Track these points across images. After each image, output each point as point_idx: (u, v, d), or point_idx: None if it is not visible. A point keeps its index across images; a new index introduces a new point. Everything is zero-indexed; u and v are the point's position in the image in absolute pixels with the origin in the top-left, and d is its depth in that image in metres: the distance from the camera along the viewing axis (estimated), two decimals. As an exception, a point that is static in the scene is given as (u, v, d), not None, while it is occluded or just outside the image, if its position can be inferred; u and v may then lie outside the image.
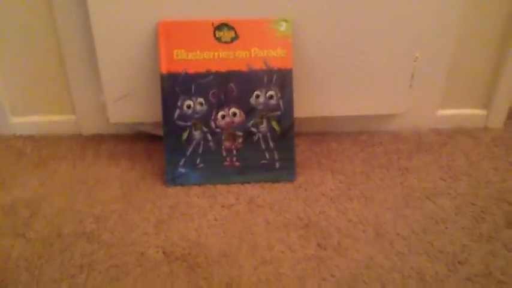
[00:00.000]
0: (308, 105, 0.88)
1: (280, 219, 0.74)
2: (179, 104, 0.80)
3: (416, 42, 0.85)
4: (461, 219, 0.74)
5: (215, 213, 0.75)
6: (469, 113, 0.98)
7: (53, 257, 0.67)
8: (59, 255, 0.67)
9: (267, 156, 0.82)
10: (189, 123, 0.80)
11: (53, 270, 0.64)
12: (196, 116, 0.80)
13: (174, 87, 0.79)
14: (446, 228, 0.72)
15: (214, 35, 0.80)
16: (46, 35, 0.87)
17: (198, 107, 0.80)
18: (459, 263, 0.66)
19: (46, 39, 0.88)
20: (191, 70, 0.80)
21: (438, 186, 0.82)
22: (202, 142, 0.81)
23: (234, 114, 0.81)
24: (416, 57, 0.87)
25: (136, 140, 0.94)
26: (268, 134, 0.81)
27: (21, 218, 0.74)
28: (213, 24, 0.80)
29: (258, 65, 0.80)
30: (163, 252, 0.67)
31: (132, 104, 0.87)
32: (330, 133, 0.96)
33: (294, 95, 0.81)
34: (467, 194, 0.80)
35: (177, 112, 0.80)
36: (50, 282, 0.63)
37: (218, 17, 0.80)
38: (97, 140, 0.95)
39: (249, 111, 0.81)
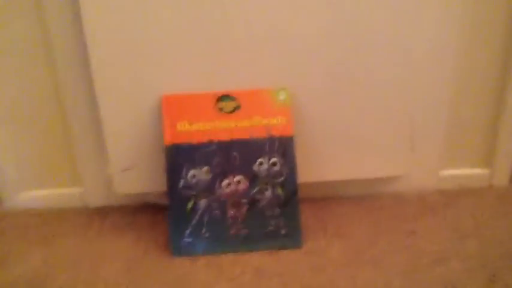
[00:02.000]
0: (311, 170, 0.89)
1: (288, 288, 0.72)
2: (183, 173, 0.81)
3: (412, 105, 0.88)
4: (472, 283, 0.72)
5: (222, 284, 0.74)
6: (472, 172, 0.98)
7: (56, 336, 0.65)
8: (62, 335, 0.66)
9: (273, 223, 0.82)
10: (193, 193, 0.81)
11: None
12: (201, 185, 0.81)
13: (178, 157, 0.81)
14: (458, 292, 0.71)
15: (217, 106, 0.82)
16: (52, 111, 0.90)
17: (203, 176, 0.81)
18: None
19: (52, 114, 0.91)
20: (195, 140, 0.81)
21: (446, 248, 0.80)
22: (207, 211, 0.81)
23: (238, 182, 0.81)
24: (414, 120, 0.89)
25: (142, 211, 0.95)
26: (273, 201, 0.82)
27: (25, 296, 0.73)
28: (215, 95, 0.83)
29: (260, 133, 0.82)
30: (169, 328, 0.66)
31: (138, 175, 0.88)
32: (334, 198, 0.96)
33: (297, 160, 0.82)
34: (477, 256, 0.78)
35: (182, 182, 0.81)
36: None
37: (220, 88, 0.83)
38: (103, 212, 0.95)
39: (253, 178, 0.81)
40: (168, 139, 0.81)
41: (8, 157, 0.94)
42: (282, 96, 0.83)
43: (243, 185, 0.82)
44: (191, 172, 0.81)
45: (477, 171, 0.99)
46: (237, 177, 0.81)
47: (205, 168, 0.81)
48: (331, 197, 0.96)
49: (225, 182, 0.81)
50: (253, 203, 0.82)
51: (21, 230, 0.91)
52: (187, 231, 0.81)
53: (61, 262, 0.81)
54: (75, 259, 0.82)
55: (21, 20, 0.84)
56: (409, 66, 0.84)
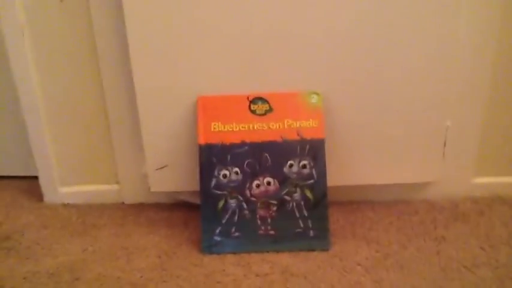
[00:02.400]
0: (341, 174, 0.89)
1: (314, 289, 0.73)
2: (215, 173, 0.83)
3: (446, 111, 0.87)
4: (503, 292, 0.72)
5: (250, 282, 0.75)
6: (505, 181, 0.97)
7: (91, 323, 0.68)
8: (97, 322, 0.69)
9: (301, 224, 0.83)
10: (224, 192, 0.83)
11: (91, 337, 0.66)
12: (232, 185, 0.83)
13: (211, 157, 0.83)
14: (488, 300, 0.70)
15: (250, 108, 0.85)
16: (95, 111, 0.95)
17: (234, 176, 0.83)
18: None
19: (95, 114, 0.95)
20: (227, 141, 0.84)
21: (477, 256, 0.79)
22: (237, 210, 0.83)
23: (268, 183, 0.83)
24: (448, 126, 0.88)
25: (175, 209, 0.98)
26: (302, 203, 0.83)
27: (64, 283, 0.77)
28: (248, 98, 0.85)
29: (291, 136, 0.83)
30: (198, 321, 0.68)
31: (172, 174, 0.92)
32: (364, 202, 0.97)
33: (327, 164, 0.83)
34: (509, 265, 0.77)
35: (214, 181, 0.83)
36: None
37: (253, 91, 0.85)
38: (138, 208, 0.99)
39: (283, 180, 0.83)
40: (202, 139, 0.84)
41: (51, 154, 0.99)
42: (314, 99, 0.84)
43: (273, 187, 0.83)
44: (223, 172, 0.83)
45: (511, 180, 0.97)
46: (267, 179, 0.83)
47: (237, 168, 0.83)
48: (362, 201, 0.97)
49: (256, 182, 0.83)
50: (282, 204, 0.83)
51: (63, 222, 0.95)
52: (218, 230, 0.83)
53: (99, 252, 0.85)
54: (111, 250, 0.85)
55: (69, 24, 0.89)
56: (445, 72, 0.84)
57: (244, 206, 0.83)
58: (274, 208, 0.83)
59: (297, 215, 0.83)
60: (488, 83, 0.88)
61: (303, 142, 0.83)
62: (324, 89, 0.84)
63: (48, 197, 1.03)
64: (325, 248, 0.83)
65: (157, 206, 1.00)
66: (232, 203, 0.83)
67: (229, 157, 0.83)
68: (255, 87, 0.85)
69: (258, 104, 0.85)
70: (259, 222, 0.83)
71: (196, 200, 0.94)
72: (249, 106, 0.85)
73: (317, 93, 0.84)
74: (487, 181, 0.97)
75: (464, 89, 0.88)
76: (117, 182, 1.01)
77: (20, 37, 0.89)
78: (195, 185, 0.86)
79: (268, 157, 0.83)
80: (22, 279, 0.78)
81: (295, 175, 0.83)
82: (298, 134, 0.83)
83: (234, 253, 0.82)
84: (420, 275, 0.75)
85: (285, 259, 0.81)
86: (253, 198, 0.83)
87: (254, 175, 0.83)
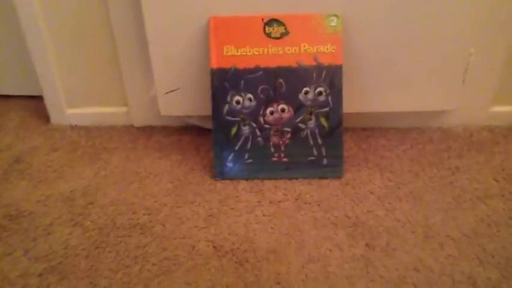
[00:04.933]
0: (357, 100, 0.87)
1: (328, 216, 0.74)
2: (228, 99, 0.81)
3: (470, 38, 0.83)
4: (514, 223, 0.72)
5: (263, 208, 0.76)
6: (524, 110, 0.95)
7: (109, 247, 0.70)
8: (114, 246, 0.70)
9: (315, 152, 0.82)
10: (237, 118, 0.81)
11: (110, 260, 0.68)
12: (245, 111, 0.81)
13: (223, 82, 0.80)
14: (499, 231, 0.71)
15: (264, 31, 0.80)
16: (101, 30, 0.90)
17: (247, 103, 0.81)
18: (512, 268, 0.65)
19: (101, 34, 0.90)
20: (241, 65, 0.80)
21: (490, 187, 0.80)
22: (250, 137, 0.82)
23: (283, 110, 0.81)
24: (471, 53, 0.84)
25: (185, 132, 0.97)
26: (317, 130, 0.81)
27: (79, 207, 0.78)
28: (262, 19, 0.80)
29: (307, 61, 0.80)
30: (213, 246, 0.69)
31: (182, 98, 0.89)
32: (378, 129, 0.95)
33: (343, 90, 0.80)
34: (522, 196, 0.78)
35: (226, 107, 0.81)
36: (106, 271, 0.66)
37: (268, 13, 0.80)
38: (148, 131, 0.98)
39: (298, 107, 0.81)
40: (214, 63, 0.80)
41: (55, 75, 0.95)
42: (333, 22, 0.79)
43: (287, 114, 0.81)
44: (236, 98, 0.81)
45: (530, 109, 0.95)
46: (282, 106, 0.81)
47: (250, 94, 0.80)
48: (375, 127, 0.95)
49: (270, 109, 0.81)
50: (296, 131, 0.82)
51: (72, 145, 0.94)
52: (230, 156, 0.82)
53: (111, 177, 0.85)
54: (124, 174, 0.85)
55: None
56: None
57: (258, 132, 0.82)
58: (288, 135, 0.82)
59: (311, 142, 0.82)
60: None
61: (319, 68, 0.79)
62: (344, 11, 0.79)
63: (55, 118, 1.01)
64: (338, 176, 0.82)
65: (167, 129, 0.98)
66: (245, 129, 0.82)
67: (242, 82, 0.80)
68: (270, 7, 0.79)
69: (274, 27, 0.80)
70: (272, 149, 0.82)
71: (207, 124, 0.92)
72: (264, 28, 0.80)
73: (337, 16, 0.79)
74: (505, 110, 0.94)
75: (490, 15, 0.82)
76: (126, 104, 0.98)
77: None
78: (206, 110, 0.84)
79: (283, 83, 0.80)
80: (37, 202, 0.79)
81: (310, 102, 0.80)
82: (315, 60, 0.80)
83: (247, 179, 0.82)
84: (433, 205, 0.76)
85: (298, 186, 0.81)
86: (266, 125, 0.81)
87: (268, 102, 0.81)
